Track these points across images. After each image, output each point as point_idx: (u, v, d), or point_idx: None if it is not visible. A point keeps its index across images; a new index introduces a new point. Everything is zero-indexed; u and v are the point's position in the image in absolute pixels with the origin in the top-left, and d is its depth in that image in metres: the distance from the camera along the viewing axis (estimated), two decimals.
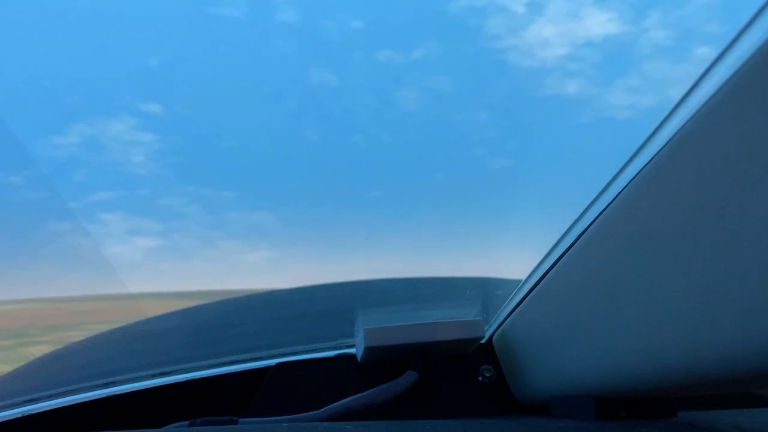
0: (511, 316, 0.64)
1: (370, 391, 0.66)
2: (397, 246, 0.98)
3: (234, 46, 0.89)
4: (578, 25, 0.87)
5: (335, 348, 0.74)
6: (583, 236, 0.48)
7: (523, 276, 0.61)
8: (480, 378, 0.70)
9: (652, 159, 0.37)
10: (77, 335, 0.97)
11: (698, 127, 0.33)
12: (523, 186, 0.90)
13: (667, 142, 0.36)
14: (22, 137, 0.86)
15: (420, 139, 0.97)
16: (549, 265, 0.54)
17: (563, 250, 0.51)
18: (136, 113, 0.89)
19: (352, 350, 0.72)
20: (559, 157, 0.88)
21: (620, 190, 0.42)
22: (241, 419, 0.62)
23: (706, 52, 0.71)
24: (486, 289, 0.77)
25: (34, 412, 0.65)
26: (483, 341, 0.70)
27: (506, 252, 0.87)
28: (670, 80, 0.79)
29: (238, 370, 0.72)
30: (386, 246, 0.96)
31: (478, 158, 0.95)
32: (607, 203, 0.44)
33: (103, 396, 0.68)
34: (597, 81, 0.88)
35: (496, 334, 0.70)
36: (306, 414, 0.64)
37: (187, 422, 0.60)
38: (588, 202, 0.48)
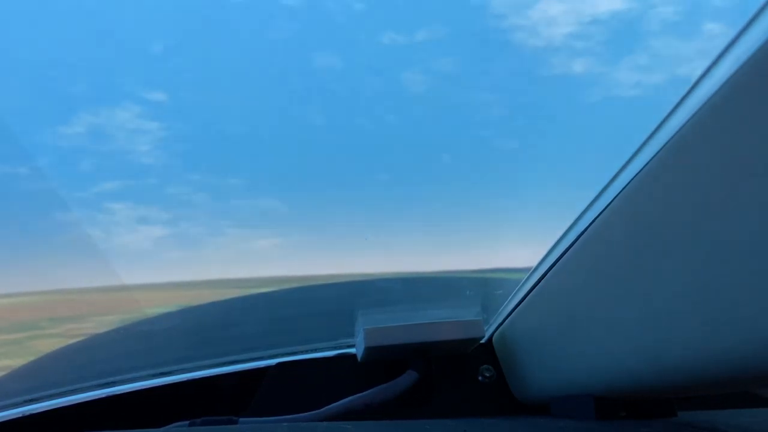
0: (511, 316, 0.64)
1: (370, 390, 0.66)
2: (403, 233, 0.98)
3: (237, 30, 0.89)
4: (584, 1, 0.86)
5: (335, 348, 0.74)
6: (582, 236, 0.48)
7: (529, 264, 0.61)
8: (480, 378, 0.70)
9: (652, 158, 0.37)
10: (87, 327, 0.97)
11: (699, 126, 0.33)
12: (529, 167, 0.90)
13: (667, 142, 0.35)
14: (27, 128, 0.86)
15: (426, 120, 0.97)
16: (549, 265, 0.54)
17: (563, 250, 0.51)
18: (141, 101, 0.89)
19: (352, 350, 0.72)
20: (566, 138, 0.88)
21: (620, 189, 0.42)
22: (241, 419, 0.62)
23: (714, 28, 0.71)
24: (486, 289, 0.77)
25: (34, 411, 0.65)
26: (483, 341, 0.70)
27: (513, 237, 0.87)
28: (677, 57, 0.78)
29: (238, 370, 0.72)
30: (391, 234, 0.96)
31: (484, 139, 0.95)
32: (607, 203, 0.44)
33: (103, 396, 0.68)
34: (604, 59, 0.87)
35: (496, 334, 0.70)
36: (306, 414, 0.64)
37: (187, 422, 0.60)
38: (591, 196, 0.48)
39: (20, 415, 0.65)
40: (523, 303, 0.61)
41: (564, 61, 0.89)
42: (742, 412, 0.57)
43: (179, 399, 0.70)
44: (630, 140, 0.42)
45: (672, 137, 0.35)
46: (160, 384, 0.70)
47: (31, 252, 0.93)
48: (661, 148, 0.36)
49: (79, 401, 0.67)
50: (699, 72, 0.35)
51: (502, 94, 0.93)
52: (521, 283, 0.62)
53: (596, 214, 0.45)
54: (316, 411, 0.64)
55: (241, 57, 0.91)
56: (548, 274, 0.54)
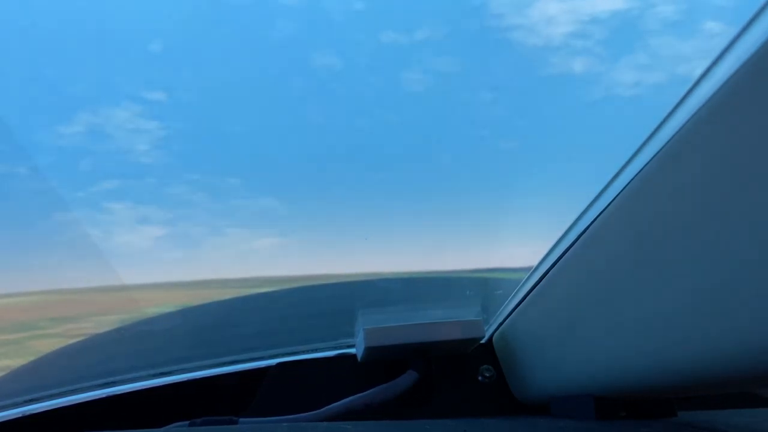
0: (511, 316, 0.64)
1: (370, 390, 0.66)
2: (403, 232, 0.98)
3: (236, 29, 0.89)
4: (584, 0, 0.86)
5: (335, 348, 0.74)
6: (583, 236, 0.48)
7: (530, 263, 0.61)
8: (480, 378, 0.70)
9: (652, 158, 0.37)
10: (87, 327, 0.97)
11: (699, 126, 0.33)
12: (529, 167, 0.90)
13: (667, 141, 0.35)
14: (26, 127, 0.86)
15: (426, 120, 0.96)
16: (549, 265, 0.54)
17: (563, 250, 0.51)
18: (140, 100, 0.89)
19: (352, 350, 0.72)
20: (565, 137, 0.88)
21: (620, 189, 0.42)
22: (241, 419, 0.62)
23: (714, 27, 0.71)
24: (486, 289, 0.77)
25: (34, 411, 0.65)
26: (483, 341, 0.70)
27: (513, 236, 0.87)
28: (677, 56, 0.78)
29: (238, 370, 0.72)
30: (391, 234, 0.96)
31: (484, 138, 0.95)
32: (607, 203, 0.44)
33: (103, 396, 0.68)
34: (603, 58, 0.87)
35: (496, 334, 0.70)
36: (306, 414, 0.64)
37: (187, 422, 0.60)
38: (591, 196, 0.48)
39: (20, 415, 0.65)
40: (523, 303, 0.61)
41: (563, 60, 0.89)
42: (742, 412, 0.57)
43: (179, 399, 0.70)
44: (630, 139, 0.42)
45: (672, 137, 0.35)
46: (160, 384, 0.70)
47: (30, 252, 0.93)
48: (661, 148, 0.36)
49: (79, 401, 0.67)
50: (699, 71, 0.35)
51: (501, 93, 0.93)
52: (521, 283, 0.62)
53: (596, 214, 0.45)
54: (316, 411, 0.64)
55: (240, 56, 0.91)
56: (548, 274, 0.54)
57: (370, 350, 0.64)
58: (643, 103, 0.82)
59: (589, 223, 0.47)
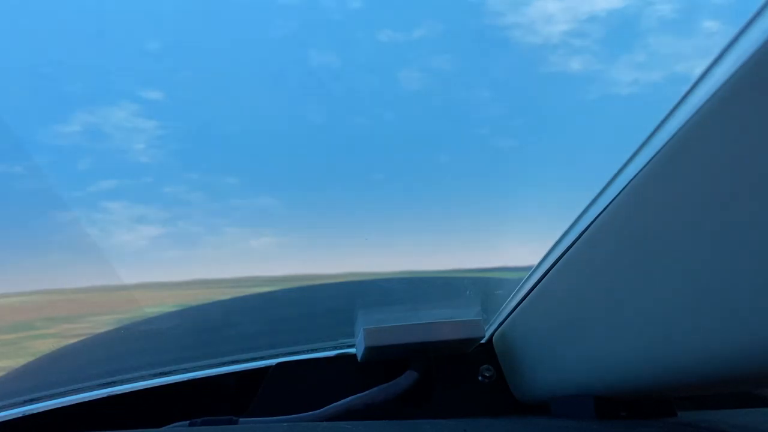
0: (511, 316, 0.64)
1: (370, 390, 0.66)
2: (403, 232, 0.98)
3: (234, 28, 0.89)
4: None
5: (335, 348, 0.74)
6: (583, 236, 0.48)
7: (530, 263, 0.61)
8: (480, 378, 0.70)
9: (652, 158, 0.37)
10: (83, 327, 0.97)
11: (700, 125, 0.33)
12: (528, 166, 0.90)
13: (667, 141, 0.35)
14: (23, 126, 0.86)
15: (423, 119, 0.97)
16: (549, 265, 0.54)
17: (563, 249, 0.51)
18: (137, 100, 0.89)
19: (352, 350, 0.72)
20: (564, 135, 0.88)
21: (620, 189, 0.42)
22: (241, 419, 0.62)
23: (711, 26, 0.71)
24: (486, 289, 0.77)
25: (34, 411, 0.65)
26: (483, 341, 0.70)
27: (513, 236, 0.87)
28: (675, 55, 0.78)
29: (238, 370, 0.72)
30: (391, 233, 0.96)
31: (482, 137, 0.95)
32: (607, 203, 0.44)
33: (103, 396, 0.68)
34: (602, 57, 0.87)
35: (496, 334, 0.70)
36: (306, 414, 0.64)
37: (187, 422, 0.60)
38: (591, 195, 0.48)
39: (20, 415, 0.64)
40: (523, 303, 0.61)
41: (561, 58, 0.89)
42: (742, 412, 0.57)
43: (179, 399, 0.70)
44: (629, 138, 0.42)
45: (672, 137, 0.35)
46: (160, 384, 0.70)
47: (27, 251, 0.93)
48: (661, 148, 0.36)
49: (79, 401, 0.67)
50: (697, 70, 0.35)
51: (499, 91, 0.93)
52: (521, 283, 0.62)
53: (596, 214, 0.45)
54: (316, 411, 0.64)
55: (237, 55, 0.91)
56: (549, 274, 0.54)
57: (370, 350, 0.64)
58: (641, 102, 0.82)
59: (588, 223, 0.47)
